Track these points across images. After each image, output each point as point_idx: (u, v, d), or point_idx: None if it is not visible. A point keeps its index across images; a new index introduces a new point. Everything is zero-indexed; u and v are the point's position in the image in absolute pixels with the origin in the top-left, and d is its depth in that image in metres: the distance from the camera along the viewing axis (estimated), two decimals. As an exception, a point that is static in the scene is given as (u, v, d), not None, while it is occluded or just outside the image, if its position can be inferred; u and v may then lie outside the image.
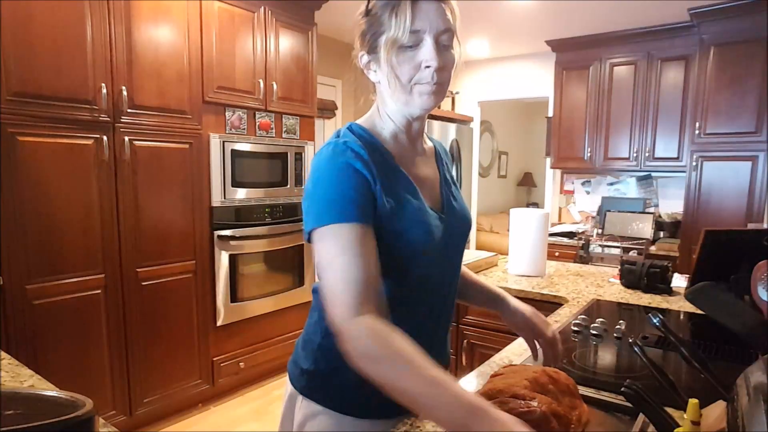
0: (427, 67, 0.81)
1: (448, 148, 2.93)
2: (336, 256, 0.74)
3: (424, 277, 0.89)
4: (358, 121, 0.94)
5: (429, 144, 1.03)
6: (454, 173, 1.08)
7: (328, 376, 0.89)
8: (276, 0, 3.05)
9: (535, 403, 0.72)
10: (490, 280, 2.12)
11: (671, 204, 4.17)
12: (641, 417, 0.83)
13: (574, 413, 0.78)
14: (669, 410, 0.79)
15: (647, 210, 4.15)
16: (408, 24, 0.80)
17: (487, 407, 0.63)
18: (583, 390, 0.94)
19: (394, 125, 0.91)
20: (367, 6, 0.86)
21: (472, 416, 0.61)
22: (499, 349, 1.29)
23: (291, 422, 0.98)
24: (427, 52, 0.81)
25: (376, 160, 0.84)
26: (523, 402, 0.73)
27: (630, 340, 1.01)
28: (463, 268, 1.10)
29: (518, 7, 3.55)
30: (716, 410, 0.78)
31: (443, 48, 0.83)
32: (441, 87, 0.84)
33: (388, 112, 0.91)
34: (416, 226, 0.85)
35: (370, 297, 0.73)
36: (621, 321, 1.43)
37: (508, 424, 0.60)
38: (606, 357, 1.30)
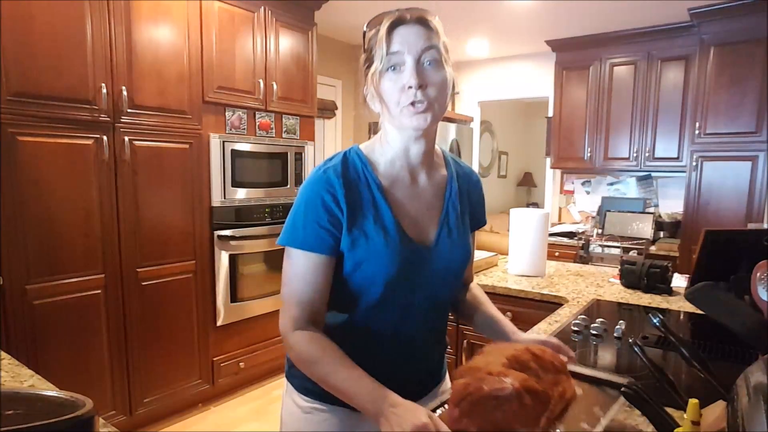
0: (410, 87, 0.83)
1: (447, 148, 2.90)
2: (293, 278, 0.89)
3: (393, 305, 0.92)
4: (362, 144, 0.97)
5: (442, 173, 1.01)
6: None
7: None
8: (276, 0, 3.05)
9: (508, 380, 0.72)
10: (490, 280, 2.12)
11: (671, 204, 4.17)
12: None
13: (557, 389, 0.78)
14: (669, 410, 0.79)
15: (647, 210, 4.15)
16: (384, 49, 0.83)
17: (397, 398, 0.77)
18: (577, 368, 0.93)
19: (393, 151, 0.93)
20: (363, 43, 0.90)
21: (386, 403, 0.76)
22: (499, 349, 1.29)
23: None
24: (406, 73, 0.83)
25: (352, 190, 0.89)
26: (496, 379, 0.73)
27: (630, 340, 1.01)
28: (487, 305, 1.12)
29: (518, 7, 3.55)
30: (716, 410, 0.78)
31: (430, 66, 0.85)
32: (430, 105, 0.85)
33: (389, 139, 0.93)
34: (378, 257, 0.88)
35: (311, 318, 0.88)
36: (621, 321, 1.44)
37: (417, 411, 0.73)
38: (606, 357, 1.30)
